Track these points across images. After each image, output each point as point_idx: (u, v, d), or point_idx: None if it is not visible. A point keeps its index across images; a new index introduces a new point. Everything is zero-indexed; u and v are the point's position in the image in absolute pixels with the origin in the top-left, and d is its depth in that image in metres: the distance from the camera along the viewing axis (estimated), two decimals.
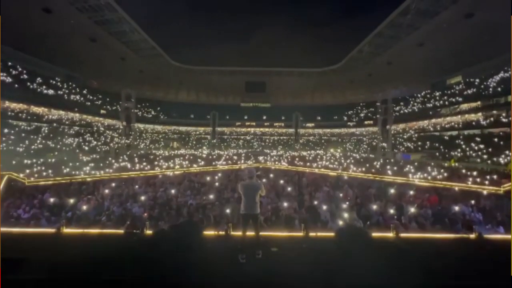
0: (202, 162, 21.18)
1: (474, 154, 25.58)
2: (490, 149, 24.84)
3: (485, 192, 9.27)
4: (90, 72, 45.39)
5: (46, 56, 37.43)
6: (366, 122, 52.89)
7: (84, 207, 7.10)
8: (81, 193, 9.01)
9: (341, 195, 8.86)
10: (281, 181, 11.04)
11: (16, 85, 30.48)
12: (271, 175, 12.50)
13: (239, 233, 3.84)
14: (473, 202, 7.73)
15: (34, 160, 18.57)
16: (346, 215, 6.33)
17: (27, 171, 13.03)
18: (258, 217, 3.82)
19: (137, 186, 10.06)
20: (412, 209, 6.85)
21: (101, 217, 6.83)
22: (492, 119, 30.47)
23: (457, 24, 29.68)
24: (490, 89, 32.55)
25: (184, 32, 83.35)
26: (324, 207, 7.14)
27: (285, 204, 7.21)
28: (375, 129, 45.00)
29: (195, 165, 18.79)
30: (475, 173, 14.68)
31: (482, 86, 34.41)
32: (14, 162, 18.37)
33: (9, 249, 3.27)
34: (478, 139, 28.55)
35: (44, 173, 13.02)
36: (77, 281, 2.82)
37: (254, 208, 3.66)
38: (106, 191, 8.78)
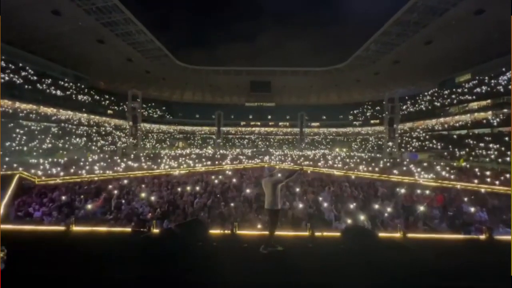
0: (208, 162, 21.30)
1: (484, 153, 25.04)
2: (502, 148, 24.29)
3: (483, 190, 9.20)
4: (97, 73, 46.11)
5: (55, 57, 38.24)
6: (372, 121, 52.35)
7: (92, 206, 7.22)
8: (89, 191, 9.16)
9: (346, 194, 8.79)
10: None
11: (26, 86, 31.18)
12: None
13: (245, 231, 3.86)
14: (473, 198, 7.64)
15: (42, 161, 18.93)
16: (352, 215, 6.28)
17: (38, 170, 13.34)
18: (277, 214, 3.86)
19: (143, 185, 10.18)
20: (421, 208, 6.76)
21: (108, 216, 6.93)
22: (502, 117, 29.75)
23: (466, 21, 29.00)
24: (501, 87, 31.77)
25: (190, 33, 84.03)
26: (329, 207, 7.10)
27: (293, 204, 7.20)
28: (381, 128, 44.45)
29: (200, 165, 18.91)
30: (488, 173, 14.36)
31: (492, 84, 33.63)
32: (31, 161, 18.90)
33: (20, 246, 3.35)
34: (488, 138, 27.93)
35: (54, 171, 13.32)
36: (85, 279, 2.88)
37: (275, 204, 3.75)
38: (114, 190, 8.91)
